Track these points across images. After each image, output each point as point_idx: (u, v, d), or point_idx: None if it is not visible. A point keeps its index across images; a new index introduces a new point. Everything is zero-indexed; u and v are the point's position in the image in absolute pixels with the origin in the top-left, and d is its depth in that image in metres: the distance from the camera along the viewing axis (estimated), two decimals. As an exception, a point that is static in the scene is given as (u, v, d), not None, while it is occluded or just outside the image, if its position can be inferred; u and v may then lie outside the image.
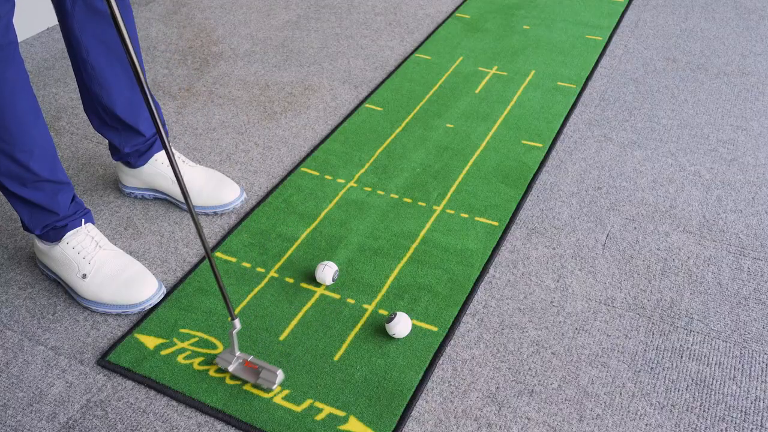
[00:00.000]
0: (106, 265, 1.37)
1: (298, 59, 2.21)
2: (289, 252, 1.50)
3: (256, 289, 1.41)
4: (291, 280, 1.43)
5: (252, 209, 1.62)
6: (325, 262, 1.40)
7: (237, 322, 1.19)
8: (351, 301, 1.38)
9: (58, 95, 2.07)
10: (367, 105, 1.97)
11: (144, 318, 1.36)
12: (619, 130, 1.85)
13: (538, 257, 1.47)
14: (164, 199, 1.65)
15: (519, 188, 1.65)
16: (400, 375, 1.24)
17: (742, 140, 1.80)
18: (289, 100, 2.01)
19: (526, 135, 1.83)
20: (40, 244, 1.40)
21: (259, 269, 1.46)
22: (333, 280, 1.40)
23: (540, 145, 1.79)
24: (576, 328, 1.32)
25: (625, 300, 1.37)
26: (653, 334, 1.31)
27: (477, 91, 2.01)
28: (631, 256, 1.47)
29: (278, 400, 1.20)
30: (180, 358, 1.28)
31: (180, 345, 1.30)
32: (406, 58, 2.19)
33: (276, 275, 1.44)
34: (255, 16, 2.48)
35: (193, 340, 1.31)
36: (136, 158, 1.56)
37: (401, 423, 1.16)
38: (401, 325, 1.28)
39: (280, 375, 1.22)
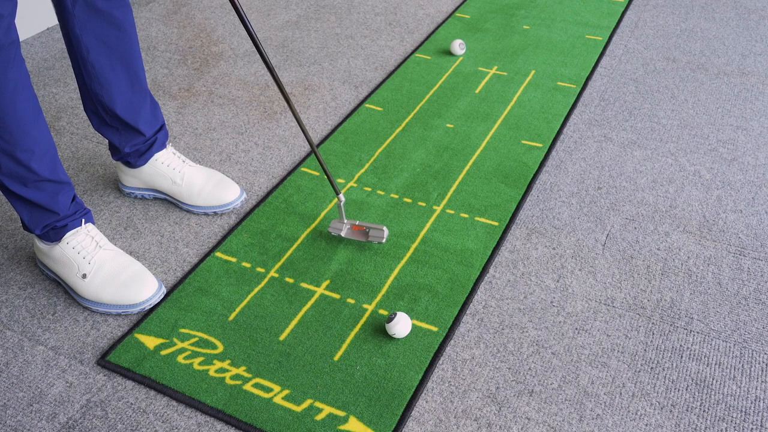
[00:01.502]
0: (106, 265, 1.37)
1: (298, 59, 2.21)
2: (289, 252, 1.50)
3: (256, 289, 1.41)
4: (291, 280, 1.43)
5: (252, 209, 1.62)
6: (456, 41, 2.08)
7: (341, 196, 1.43)
8: (351, 301, 1.38)
9: (58, 95, 2.07)
10: (367, 105, 1.97)
11: (144, 318, 1.36)
12: (619, 130, 1.85)
13: (538, 257, 1.47)
14: (164, 199, 1.65)
15: (519, 188, 1.65)
16: (400, 375, 1.24)
17: (742, 140, 1.80)
18: (289, 100, 2.01)
19: (526, 135, 1.83)
20: (40, 244, 1.40)
21: (259, 269, 1.46)
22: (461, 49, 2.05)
23: (540, 145, 1.79)
24: (576, 328, 1.32)
25: (625, 300, 1.37)
26: (653, 334, 1.31)
27: (477, 91, 2.01)
28: (631, 256, 1.47)
29: (278, 400, 1.20)
30: (180, 358, 1.28)
31: (180, 345, 1.30)
32: (406, 58, 2.19)
33: (276, 275, 1.44)
34: (255, 16, 2.48)
35: (193, 340, 1.31)
36: (136, 158, 1.56)
37: (401, 423, 1.16)
38: (401, 325, 1.28)
39: (386, 230, 1.44)
